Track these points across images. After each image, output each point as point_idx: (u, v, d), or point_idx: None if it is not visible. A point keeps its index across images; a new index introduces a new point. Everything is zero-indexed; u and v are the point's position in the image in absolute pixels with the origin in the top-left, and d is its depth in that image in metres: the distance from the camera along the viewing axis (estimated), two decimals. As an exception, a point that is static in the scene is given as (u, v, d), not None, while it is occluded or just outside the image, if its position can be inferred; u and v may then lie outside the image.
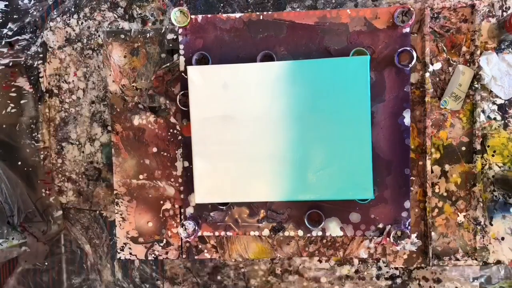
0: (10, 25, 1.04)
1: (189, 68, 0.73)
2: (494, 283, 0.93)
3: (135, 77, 0.86)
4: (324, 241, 0.83)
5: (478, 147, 0.81)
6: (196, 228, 0.78)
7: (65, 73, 1.03)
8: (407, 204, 0.76)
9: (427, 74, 0.79)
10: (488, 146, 0.83)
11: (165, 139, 0.85)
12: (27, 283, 1.07)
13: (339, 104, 0.71)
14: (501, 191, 0.82)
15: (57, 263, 1.06)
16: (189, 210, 0.81)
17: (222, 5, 0.98)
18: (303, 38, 0.76)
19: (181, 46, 0.78)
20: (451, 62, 0.82)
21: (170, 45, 0.84)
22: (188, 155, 0.79)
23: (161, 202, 0.86)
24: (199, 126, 0.74)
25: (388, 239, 0.75)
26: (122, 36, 0.86)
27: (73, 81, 1.03)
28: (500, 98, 0.84)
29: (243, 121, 0.73)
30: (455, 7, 0.81)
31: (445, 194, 0.83)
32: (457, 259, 0.82)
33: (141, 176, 0.86)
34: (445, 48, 0.82)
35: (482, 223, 0.82)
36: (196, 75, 0.73)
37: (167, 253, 0.87)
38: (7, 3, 1.04)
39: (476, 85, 0.81)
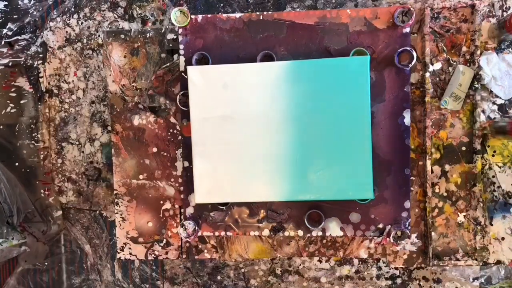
0: (10, 25, 1.04)
1: (189, 68, 0.73)
2: (494, 283, 0.93)
3: (135, 77, 0.86)
4: (324, 241, 0.83)
5: (478, 147, 0.81)
6: (196, 228, 0.78)
7: (65, 73, 1.03)
8: (407, 204, 0.76)
9: (427, 74, 0.79)
10: (488, 146, 0.83)
11: (165, 139, 0.85)
12: (27, 283, 1.07)
13: (339, 104, 0.71)
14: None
15: (57, 263, 1.06)
16: (189, 210, 0.81)
17: (222, 5, 0.98)
18: (303, 38, 0.76)
19: (181, 46, 0.78)
20: (451, 62, 0.82)
21: (170, 45, 0.84)
22: (188, 155, 0.79)
23: (161, 202, 0.86)
24: (199, 126, 0.74)
25: (388, 239, 0.75)
26: (122, 36, 0.86)
27: (73, 81, 1.02)
28: (500, 98, 0.84)
29: (243, 121, 0.73)
30: (455, 7, 0.81)
31: (445, 194, 0.83)
32: (457, 259, 0.82)
33: (141, 176, 0.86)
34: (445, 48, 0.82)
35: (482, 223, 0.82)
36: (196, 75, 0.73)
37: (167, 253, 0.87)
38: (6, 3, 1.04)
39: (476, 85, 0.81)
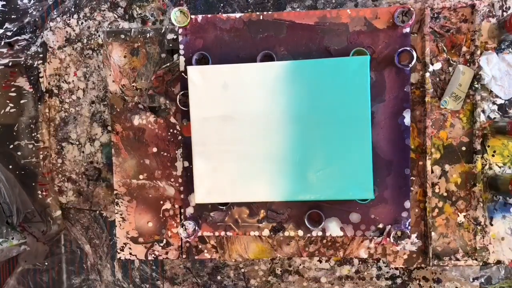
0: (8, 25, 1.03)
1: (189, 68, 0.73)
2: (494, 283, 0.93)
3: (135, 77, 0.86)
4: (324, 241, 0.83)
5: (478, 147, 0.81)
6: (196, 228, 0.78)
7: (65, 73, 1.03)
8: (407, 204, 0.76)
9: (427, 74, 0.79)
10: (488, 146, 0.83)
11: (165, 139, 0.85)
12: (27, 283, 1.07)
13: (339, 104, 0.71)
14: (493, 192, 0.83)
15: (57, 263, 1.06)
16: (189, 210, 0.81)
17: (222, 5, 0.98)
18: (303, 38, 0.76)
19: (181, 46, 0.78)
20: (451, 62, 0.82)
21: (170, 45, 0.84)
22: (188, 155, 0.79)
23: (161, 202, 0.86)
24: (199, 126, 0.74)
25: (388, 239, 0.75)
26: (122, 36, 0.86)
27: (73, 81, 1.02)
28: (500, 98, 0.84)
29: (243, 121, 0.73)
30: (455, 7, 0.81)
31: (445, 194, 0.83)
32: (457, 259, 0.82)
33: (141, 176, 0.86)
34: (445, 48, 0.82)
35: (482, 223, 0.82)
36: (196, 75, 0.73)
37: (167, 253, 0.87)
38: (4, 2, 1.04)
39: (476, 85, 0.81)
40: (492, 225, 0.84)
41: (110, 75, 0.86)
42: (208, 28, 0.77)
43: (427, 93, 0.79)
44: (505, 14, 0.85)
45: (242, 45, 0.77)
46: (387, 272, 0.96)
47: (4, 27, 1.03)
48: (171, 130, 0.85)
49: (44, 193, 1.03)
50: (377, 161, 0.75)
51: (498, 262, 0.84)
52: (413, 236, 0.82)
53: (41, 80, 1.03)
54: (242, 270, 1.00)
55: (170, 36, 0.84)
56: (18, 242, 0.95)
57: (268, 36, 0.77)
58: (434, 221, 0.82)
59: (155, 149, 0.85)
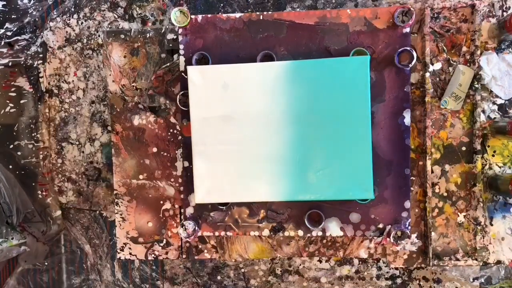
0: (8, 25, 1.03)
1: (189, 68, 0.73)
2: (494, 283, 0.93)
3: (135, 77, 0.86)
4: (324, 241, 0.83)
5: (478, 147, 0.81)
6: (196, 228, 0.78)
7: (65, 73, 1.03)
8: (407, 204, 0.76)
9: (427, 74, 0.79)
10: (488, 146, 0.83)
11: (165, 139, 0.85)
12: (27, 283, 1.07)
13: (339, 104, 0.71)
14: (493, 192, 0.83)
15: (57, 263, 1.06)
16: (189, 210, 0.81)
17: (222, 5, 0.98)
18: (303, 38, 0.76)
19: (181, 46, 0.78)
20: (451, 62, 0.82)
21: (170, 45, 0.84)
22: (188, 155, 0.79)
23: (161, 202, 0.86)
24: (199, 126, 0.74)
25: (388, 239, 0.75)
26: (122, 36, 0.86)
27: (73, 81, 1.02)
28: (500, 98, 0.84)
29: (243, 121, 0.73)
30: (455, 7, 0.81)
31: (445, 194, 0.83)
32: (457, 259, 0.82)
33: (141, 176, 0.86)
34: (445, 48, 0.82)
35: (482, 223, 0.82)
36: (196, 75, 0.73)
37: (167, 253, 0.87)
38: (4, 2, 1.04)
39: (476, 85, 0.81)
40: (492, 225, 0.84)
41: (110, 75, 0.86)
42: (208, 28, 0.77)
43: (427, 93, 0.79)
44: (505, 14, 0.85)
45: (242, 45, 0.77)
46: (387, 272, 0.96)
47: (5, 27, 1.03)
48: (171, 130, 0.85)
49: (44, 193, 1.03)
50: (377, 161, 0.75)
51: (498, 262, 0.84)
52: (413, 236, 0.82)
53: (41, 80, 1.03)
54: (242, 270, 1.00)
55: (170, 36, 0.84)
56: (18, 242, 0.95)
57: (268, 36, 0.77)
58: (434, 221, 0.82)
59: (155, 149, 0.85)
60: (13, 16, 1.04)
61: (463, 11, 0.81)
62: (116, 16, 1.01)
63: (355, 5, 0.95)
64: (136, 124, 0.86)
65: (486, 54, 0.82)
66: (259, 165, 0.73)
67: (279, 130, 0.72)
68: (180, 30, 0.77)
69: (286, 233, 0.79)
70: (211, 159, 0.74)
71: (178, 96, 0.78)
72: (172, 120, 0.85)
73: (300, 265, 0.98)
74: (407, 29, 0.74)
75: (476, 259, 0.82)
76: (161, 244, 0.86)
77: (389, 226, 0.76)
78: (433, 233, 0.82)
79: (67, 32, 1.02)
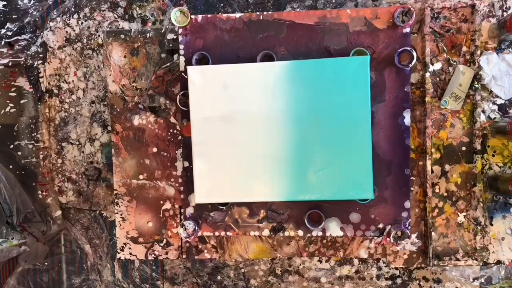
0: (9, 25, 1.03)
1: (189, 68, 0.73)
2: (494, 283, 0.93)
3: (135, 77, 0.86)
4: (324, 241, 0.83)
5: (479, 147, 0.81)
6: (196, 228, 0.78)
7: (65, 73, 1.03)
8: (407, 204, 0.76)
9: (427, 74, 0.79)
10: (489, 146, 0.83)
11: (165, 139, 0.85)
12: (27, 283, 1.07)
13: (339, 104, 0.71)
14: (493, 192, 0.83)
15: (57, 263, 1.06)
16: (189, 210, 0.81)
17: (222, 5, 0.98)
18: (303, 38, 0.76)
19: (181, 46, 0.78)
20: (451, 62, 0.82)
21: (170, 45, 0.84)
22: (188, 155, 0.79)
23: (161, 202, 0.86)
24: (199, 126, 0.74)
25: (388, 239, 0.75)
26: (122, 36, 0.86)
27: (73, 81, 1.02)
28: (500, 98, 0.84)
29: (243, 121, 0.73)
30: (455, 7, 0.81)
31: (445, 194, 0.83)
32: (457, 259, 0.82)
33: (141, 176, 0.86)
34: (445, 48, 0.82)
35: (482, 223, 0.82)
36: (196, 75, 0.73)
37: (167, 253, 0.87)
38: (5, 2, 1.04)
39: (476, 85, 0.81)
40: (492, 225, 0.84)
41: (110, 75, 0.86)
42: (208, 28, 0.77)
43: (427, 93, 0.79)
44: (505, 14, 0.85)
45: (242, 45, 0.77)
46: (387, 272, 0.96)
47: (6, 27, 1.03)
48: (171, 130, 0.85)
49: (44, 193, 1.03)
50: (377, 161, 0.75)
51: (498, 262, 0.84)
52: (413, 236, 0.82)
53: (41, 80, 1.03)
54: (242, 270, 1.00)
55: (170, 36, 0.84)
56: (18, 242, 0.95)
57: (268, 36, 0.77)
58: (434, 221, 0.82)
59: (155, 149, 0.85)
60: (13, 16, 1.04)
61: (463, 11, 0.81)
62: (116, 16, 1.01)
63: (355, 5, 0.95)
64: (136, 124, 0.86)
65: (486, 54, 0.82)
66: (259, 165, 0.73)
67: (279, 130, 0.72)
68: (180, 30, 0.77)
69: (286, 233, 0.79)
70: (211, 159, 0.74)
71: (178, 96, 0.78)
72: (172, 120, 0.85)
73: (300, 265, 0.98)
74: (407, 29, 0.74)
75: (476, 259, 0.82)
76: (161, 244, 0.86)
77: (389, 226, 0.76)
78: (433, 233, 0.82)
79: (67, 32, 1.02)
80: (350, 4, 0.95)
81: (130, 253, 0.87)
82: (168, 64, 0.84)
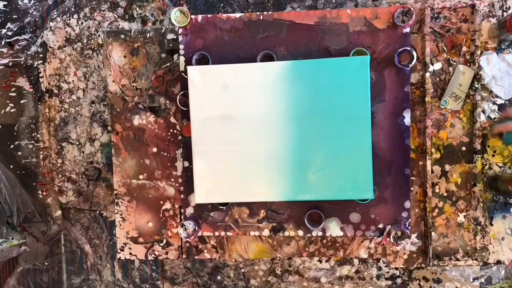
0: (9, 25, 1.04)
1: (189, 68, 0.73)
2: (494, 283, 0.93)
3: (135, 77, 0.86)
4: (324, 241, 0.83)
5: (479, 147, 0.81)
6: (196, 228, 0.78)
7: (65, 73, 1.03)
8: (407, 204, 0.76)
9: (427, 74, 0.79)
10: (489, 146, 0.83)
11: (165, 139, 0.85)
12: (27, 283, 1.07)
13: (339, 104, 0.71)
14: (493, 192, 0.83)
15: (57, 263, 1.06)
16: (189, 210, 0.81)
17: (222, 5, 0.98)
18: (303, 38, 0.76)
19: (181, 46, 0.78)
20: (451, 62, 0.82)
21: (170, 45, 0.84)
22: (188, 155, 0.79)
23: (161, 202, 0.86)
24: (199, 126, 0.74)
25: (388, 239, 0.75)
26: (122, 36, 0.86)
27: (73, 81, 1.02)
28: (500, 98, 0.84)
29: (243, 121, 0.73)
30: (455, 7, 0.81)
31: (445, 194, 0.83)
32: (457, 259, 0.82)
33: (141, 176, 0.86)
34: (445, 48, 0.82)
35: (482, 223, 0.82)
36: (196, 75, 0.73)
37: (167, 253, 0.87)
38: (6, 2, 1.04)
39: (476, 85, 0.81)
40: (492, 225, 0.84)
41: (110, 75, 0.86)
42: (208, 28, 0.77)
43: (427, 93, 0.79)
44: (505, 14, 0.85)
45: (242, 45, 0.77)
46: (387, 272, 0.96)
47: (6, 27, 1.03)
48: (171, 130, 0.85)
49: (44, 193, 1.03)
50: (377, 161, 0.75)
51: (498, 262, 0.84)
52: (413, 236, 0.82)
53: (41, 80, 1.03)
54: (242, 270, 1.00)
55: (170, 36, 0.84)
56: (18, 242, 0.95)
57: (268, 36, 0.77)
58: (434, 221, 0.82)
59: (155, 149, 0.85)
60: (13, 16, 1.04)
61: (463, 11, 0.81)
62: (116, 16, 1.01)
63: (355, 5, 0.95)
64: (136, 124, 0.86)
65: (486, 54, 0.82)
66: (259, 165, 0.73)
67: (279, 130, 0.72)
68: (180, 30, 0.77)
69: (286, 233, 0.79)
70: (211, 159, 0.74)
71: (178, 96, 0.78)
72: (172, 120, 0.85)
73: (300, 265, 0.98)
74: (407, 29, 0.74)
75: (476, 259, 0.82)
76: (161, 244, 0.86)
77: (389, 226, 0.76)
78: (433, 233, 0.82)
79: (67, 32, 1.02)
80: (350, 4, 0.95)
81: (130, 253, 0.87)
82: (168, 64, 0.84)
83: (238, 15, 0.77)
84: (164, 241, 0.86)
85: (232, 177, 0.74)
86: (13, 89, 1.04)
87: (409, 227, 0.76)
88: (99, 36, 1.01)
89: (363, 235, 0.77)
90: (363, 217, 0.77)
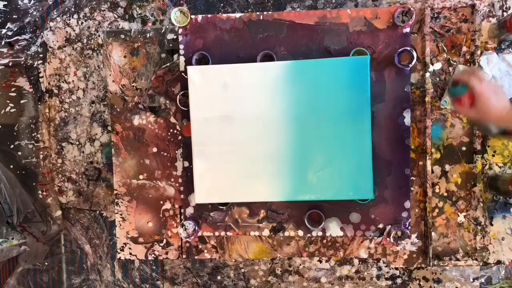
0: (9, 25, 1.04)
1: (189, 68, 0.73)
2: (494, 283, 0.93)
3: (135, 77, 0.86)
4: (324, 241, 0.83)
5: (479, 147, 0.81)
6: (196, 228, 0.78)
7: (65, 73, 1.03)
8: (407, 204, 0.76)
9: (427, 74, 0.79)
10: (489, 146, 0.83)
11: (165, 139, 0.85)
12: (27, 283, 1.07)
13: (339, 104, 0.71)
14: (493, 192, 0.83)
15: (57, 263, 1.06)
16: (189, 210, 0.81)
17: (222, 5, 0.98)
18: (303, 38, 0.76)
19: (181, 46, 0.78)
20: (451, 62, 0.82)
21: (170, 45, 0.84)
22: (188, 155, 0.79)
23: (161, 202, 0.86)
24: (199, 126, 0.74)
25: (388, 239, 0.75)
26: (122, 36, 0.86)
27: (73, 81, 1.03)
28: (500, 98, 0.84)
29: (243, 121, 0.73)
30: (455, 7, 0.81)
31: (445, 194, 0.83)
32: (457, 259, 0.82)
33: (141, 176, 0.86)
34: (445, 48, 0.82)
35: (483, 223, 0.82)
36: (196, 75, 0.73)
37: (167, 253, 0.87)
38: (6, 2, 1.04)
39: (476, 85, 0.81)
40: (492, 225, 0.84)
41: (110, 75, 0.86)
42: (208, 28, 0.77)
43: (427, 93, 0.79)
44: (505, 14, 0.85)
45: (242, 45, 0.77)
46: (387, 272, 0.96)
47: (7, 27, 1.03)
48: (171, 130, 0.85)
49: (44, 193, 1.03)
50: (377, 161, 0.75)
51: (498, 262, 0.84)
52: (413, 236, 0.82)
53: (41, 80, 1.03)
54: (242, 270, 1.00)
55: (170, 36, 0.84)
56: (18, 242, 0.95)
57: (268, 36, 0.77)
58: (434, 221, 0.82)
59: (155, 149, 0.85)
60: (13, 16, 1.04)
61: (463, 11, 0.81)
62: (116, 16, 1.01)
63: (355, 5, 0.95)
64: (136, 124, 0.86)
65: (486, 54, 0.82)
66: (259, 165, 0.73)
67: (279, 130, 0.72)
68: (180, 30, 0.77)
69: (286, 233, 0.79)
70: (211, 159, 0.74)
71: (178, 96, 0.78)
72: (172, 120, 0.85)
73: (300, 265, 0.98)
74: (407, 29, 0.74)
75: (476, 259, 0.82)
76: (161, 244, 0.86)
77: (389, 226, 0.76)
78: (433, 233, 0.82)
79: (67, 32, 1.02)
80: (350, 4, 0.95)
81: (130, 253, 0.87)
82: (168, 64, 0.84)
83: (238, 15, 0.77)
84: (164, 241, 0.86)
85: (232, 177, 0.74)
86: (13, 89, 1.04)
87: (409, 227, 0.76)
88: (99, 36, 1.01)
89: (363, 235, 0.77)
90: (363, 217, 0.77)
